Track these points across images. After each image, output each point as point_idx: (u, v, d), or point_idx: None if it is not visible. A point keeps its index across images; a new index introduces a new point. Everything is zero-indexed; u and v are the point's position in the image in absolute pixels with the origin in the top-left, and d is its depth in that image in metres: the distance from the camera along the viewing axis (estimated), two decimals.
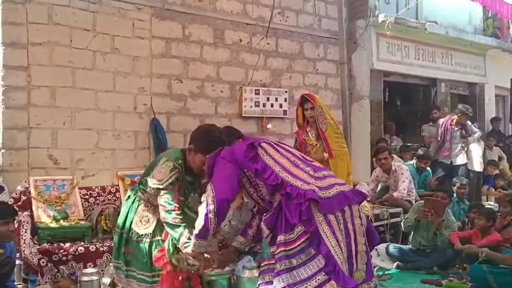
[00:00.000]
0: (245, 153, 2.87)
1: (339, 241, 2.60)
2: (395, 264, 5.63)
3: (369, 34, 8.60)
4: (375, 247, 5.81)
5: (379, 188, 7.18)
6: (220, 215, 2.80)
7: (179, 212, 3.17)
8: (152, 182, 3.29)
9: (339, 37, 6.67)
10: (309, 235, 2.60)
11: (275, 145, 2.99)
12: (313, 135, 5.27)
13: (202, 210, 2.80)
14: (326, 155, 5.19)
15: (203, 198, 2.84)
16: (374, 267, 5.05)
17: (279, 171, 2.80)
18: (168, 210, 3.16)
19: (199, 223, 2.82)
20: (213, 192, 2.77)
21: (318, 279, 2.56)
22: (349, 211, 2.71)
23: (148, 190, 3.36)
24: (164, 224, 3.21)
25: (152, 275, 3.38)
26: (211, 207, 2.74)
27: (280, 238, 2.68)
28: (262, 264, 2.93)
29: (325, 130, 5.20)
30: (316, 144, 5.26)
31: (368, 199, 6.73)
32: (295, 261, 2.62)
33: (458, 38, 9.79)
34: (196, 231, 2.86)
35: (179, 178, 3.32)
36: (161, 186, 3.23)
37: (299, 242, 2.62)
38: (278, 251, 2.67)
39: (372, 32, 8.61)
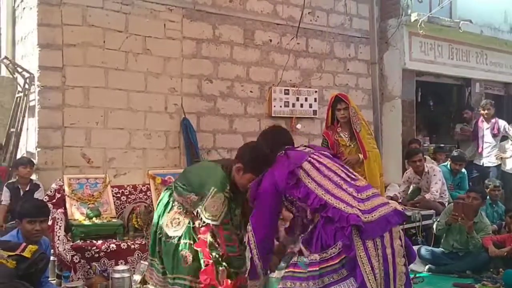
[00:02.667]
0: (286, 180, 2.85)
1: (374, 268, 2.60)
2: (426, 267, 5.53)
3: (401, 34, 8.47)
4: None
5: (410, 189, 7.07)
6: (264, 254, 2.97)
7: (238, 244, 3.30)
8: (205, 216, 3.27)
9: (370, 37, 6.60)
10: (344, 256, 2.60)
11: (316, 164, 2.91)
12: (346, 136, 5.21)
13: (248, 253, 2.95)
14: (361, 156, 5.14)
15: (245, 239, 2.97)
16: None
17: (322, 194, 2.76)
18: (230, 246, 3.25)
19: (248, 266, 2.96)
20: (253, 237, 2.94)
21: None
22: (388, 235, 2.68)
23: (199, 222, 3.36)
24: (225, 255, 3.27)
25: (174, 277, 3.41)
26: (254, 251, 2.93)
27: (315, 257, 2.68)
28: (286, 270, 2.93)
29: (359, 130, 5.15)
30: (350, 145, 5.20)
31: (400, 200, 6.64)
32: (327, 279, 2.63)
33: (493, 37, 9.55)
34: (247, 274, 3.06)
35: (229, 206, 3.34)
36: (217, 223, 3.26)
37: (332, 263, 2.63)
38: (311, 269, 2.67)
39: (404, 31, 8.48)
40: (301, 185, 2.83)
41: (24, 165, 5.57)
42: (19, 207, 3.85)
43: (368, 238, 2.62)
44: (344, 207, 2.68)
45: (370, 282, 2.56)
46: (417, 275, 5.18)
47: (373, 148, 5.34)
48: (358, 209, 2.67)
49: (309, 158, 2.95)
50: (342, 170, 2.95)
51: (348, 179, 2.88)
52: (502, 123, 8.13)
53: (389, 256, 2.67)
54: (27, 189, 5.61)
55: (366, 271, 2.58)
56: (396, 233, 2.73)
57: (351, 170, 3.07)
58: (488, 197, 6.57)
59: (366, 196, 2.80)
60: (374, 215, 2.68)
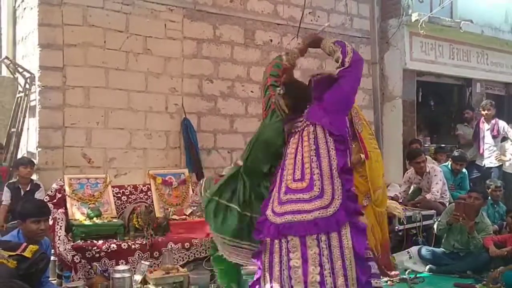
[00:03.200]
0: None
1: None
2: (427, 267, 5.53)
3: (402, 34, 8.47)
4: (407, 250, 5.74)
5: (411, 190, 7.06)
6: None
7: None
8: None
9: (371, 37, 6.59)
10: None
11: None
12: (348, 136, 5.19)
13: None
14: (362, 156, 5.12)
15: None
16: (406, 270, 4.99)
17: None
18: None
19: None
20: None
21: None
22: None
23: None
24: None
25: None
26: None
27: None
28: None
29: (360, 131, 5.13)
30: (351, 145, 5.18)
31: (400, 201, 6.64)
32: None
33: (494, 37, 9.55)
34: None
35: None
36: None
37: None
38: None
39: (405, 31, 8.48)
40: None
41: (24, 165, 5.57)
42: (21, 208, 3.84)
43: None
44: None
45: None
46: (418, 275, 5.18)
47: (375, 149, 5.31)
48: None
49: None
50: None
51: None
52: (502, 124, 8.12)
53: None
54: (27, 189, 5.60)
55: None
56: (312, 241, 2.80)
57: None
58: (489, 197, 6.57)
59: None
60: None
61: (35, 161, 5.78)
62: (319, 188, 2.89)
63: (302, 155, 3.00)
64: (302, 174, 2.96)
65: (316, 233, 2.81)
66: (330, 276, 2.76)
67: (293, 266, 2.82)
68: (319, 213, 2.83)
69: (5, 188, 5.63)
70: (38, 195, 5.46)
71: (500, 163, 8.12)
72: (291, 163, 3.01)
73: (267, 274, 2.92)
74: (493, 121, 8.10)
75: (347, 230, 2.81)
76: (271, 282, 2.88)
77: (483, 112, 8.19)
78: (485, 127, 8.13)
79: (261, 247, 3.00)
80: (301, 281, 2.78)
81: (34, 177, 5.73)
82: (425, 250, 5.69)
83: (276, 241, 2.89)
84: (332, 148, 2.96)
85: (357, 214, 2.91)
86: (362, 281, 2.77)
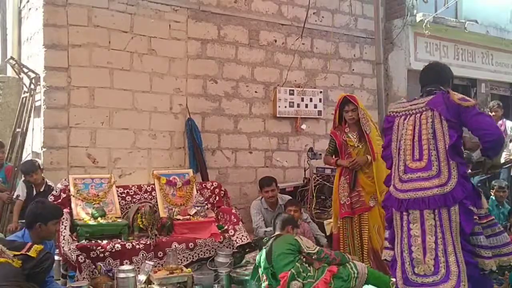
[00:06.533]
0: None
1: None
2: None
3: (406, 34, 8.45)
4: None
5: None
6: None
7: None
8: None
9: (375, 37, 6.58)
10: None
11: None
12: (355, 137, 5.19)
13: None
14: (369, 157, 5.12)
15: None
16: None
17: None
18: None
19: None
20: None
21: None
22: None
23: None
24: None
25: None
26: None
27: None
28: None
29: (369, 132, 5.14)
30: (358, 146, 5.18)
31: None
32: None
33: (499, 37, 9.51)
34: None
35: None
36: None
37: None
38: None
39: (410, 31, 8.46)
40: None
41: (30, 174, 5.57)
42: (42, 211, 3.84)
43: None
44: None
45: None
46: None
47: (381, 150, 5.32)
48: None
49: None
50: None
51: None
52: (509, 124, 8.10)
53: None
54: (41, 189, 5.62)
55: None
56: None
57: None
58: (494, 198, 6.54)
59: None
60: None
61: (40, 161, 5.80)
62: (436, 168, 3.33)
63: (420, 137, 3.39)
64: (421, 154, 3.39)
65: (435, 207, 3.28)
66: (442, 244, 3.28)
67: (413, 235, 3.36)
68: (437, 190, 3.29)
69: (22, 183, 5.66)
70: (51, 197, 5.45)
71: (510, 164, 8.07)
72: (409, 144, 3.44)
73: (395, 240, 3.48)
74: (500, 122, 8.06)
75: (456, 207, 3.26)
76: (396, 246, 3.47)
77: (490, 113, 8.15)
78: None
79: (387, 215, 3.62)
80: (420, 247, 3.33)
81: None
82: None
83: (398, 213, 3.45)
84: (446, 133, 3.33)
85: (471, 195, 3.33)
86: (466, 249, 3.27)
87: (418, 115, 3.44)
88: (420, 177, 3.36)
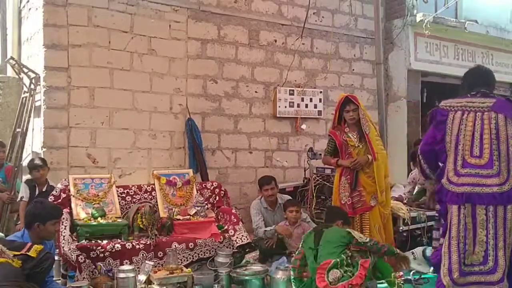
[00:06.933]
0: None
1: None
2: (432, 268, 5.50)
3: (407, 34, 8.45)
4: (411, 251, 5.72)
5: (416, 190, 7.04)
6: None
7: None
8: None
9: (375, 37, 6.59)
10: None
11: None
12: (355, 137, 5.19)
13: None
14: (370, 157, 5.13)
15: None
16: (410, 271, 4.97)
17: None
18: None
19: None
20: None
21: None
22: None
23: None
24: None
25: None
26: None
27: None
28: None
29: (368, 132, 5.15)
30: (358, 146, 5.18)
31: (405, 201, 6.62)
32: None
33: (499, 37, 9.52)
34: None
35: None
36: None
37: None
38: None
39: (410, 31, 8.46)
40: None
41: (36, 169, 5.58)
42: (41, 210, 3.84)
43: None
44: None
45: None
46: (423, 276, 5.16)
47: (381, 150, 5.34)
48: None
49: None
50: None
51: None
52: None
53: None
54: (43, 189, 5.63)
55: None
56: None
57: None
58: None
59: None
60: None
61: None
62: (497, 168, 3.46)
63: (482, 135, 3.51)
64: (481, 151, 3.51)
65: (491, 204, 3.43)
66: (492, 239, 3.45)
67: (468, 228, 3.51)
68: (497, 189, 3.42)
69: (24, 185, 5.67)
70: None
71: None
72: (469, 139, 3.54)
73: (448, 232, 3.59)
74: None
75: None
76: (450, 239, 3.56)
77: None
78: None
79: (442, 210, 3.72)
80: (471, 240, 3.50)
81: None
82: (429, 251, 5.66)
83: (455, 206, 3.54)
84: (510, 136, 3.47)
85: None
86: None
87: (480, 113, 3.55)
88: (479, 174, 3.48)
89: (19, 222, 5.61)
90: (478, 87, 3.67)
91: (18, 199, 5.68)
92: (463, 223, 3.52)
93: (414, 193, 7.05)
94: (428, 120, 3.90)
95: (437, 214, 4.38)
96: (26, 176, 5.92)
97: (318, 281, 3.93)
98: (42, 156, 5.85)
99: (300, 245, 4.43)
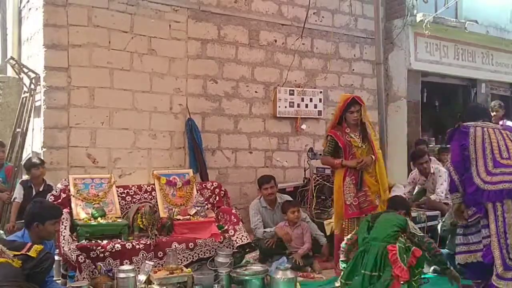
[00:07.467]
0: None
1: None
2: (432, 268, 5.50)
3: (407, 34, 8.45)
4: None
5: (416, 190, 7.04)
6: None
7: None
8: None
9: (375, 37, 6.59)
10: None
11: None
12: (358, 137, 5.20)
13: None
14: (373, 157, 5.17)
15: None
16: None
17: None
18: None
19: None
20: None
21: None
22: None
23: None
24: None
25: None
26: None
27: None
28: None
29: (370, 132, 5.19)
30: (362, 146, 5.19)
31: None
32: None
33: (499, 37, 9.52)
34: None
35: None
36: None
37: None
38: None
39: (410, 31, 8.46)
40: None
41: (36, 167, 5.59)
42: (40, 210, 3.84)
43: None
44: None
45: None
46: (423, 276, 5.15)
47: (378, 149, 5.36)
48: None
49: None
50: None
51: None
52: (510, 124, 8.09)
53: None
54: (40, 189, 5.64)
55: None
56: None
57: None
58: None
59: None
60: None
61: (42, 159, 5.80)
62: None
63: (505, 142, 3.99)
64: (509, 154, 3.94)
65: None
66: None
67: (508, 223, 3.77)
68: None
69: (19, 186, 5.67)
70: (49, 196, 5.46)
71: None
72: (496, 145, 3.96)
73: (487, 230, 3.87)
74: (501, 122, 8.06)
75: None
76: (490, 236, 3.84)
77: (492, 113, 8.14)
78: None
79: (478, 210, 3.95)
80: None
81: None
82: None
83: (490, 204, 3.83)
84: None
85: None
86: None
87: (496, 129, 4.11)
88: None
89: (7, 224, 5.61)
90: (482, 118, 4.30)
91: (12, 199, 5.67)
92: (501, 220, 3.79)
93: (414, 193, 7.05)
94: (447, 138, 4.40)
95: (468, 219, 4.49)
96: (25, 177, 5.92)
97: (397, 270, 3.98)
98: (42, 156, 5.85)
99: (354, 231, 4.55)
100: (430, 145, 8.95)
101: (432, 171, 6.74)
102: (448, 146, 8.88)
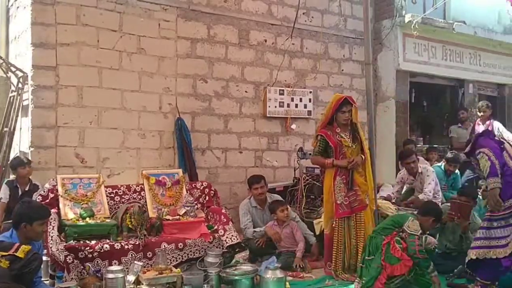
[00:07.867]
0: None
1: None
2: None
3: (395, 34, 8.51)
4: None
5: (404, 190, 7.09)
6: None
7: None
8: None
9: (364, 37, 6.59)
10: None
11: None
12: (348, 137, 5.23)
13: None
14: (363, 156, 5.21)
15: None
16: None
17: None
18: None
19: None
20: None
21: None
22: None
23: None
24: None
25: None
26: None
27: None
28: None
29: (360, 132, 5.24)
30: (352, 146, 5.22)
31: (393, 201, 6.67)
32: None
33: (487, 38, 9.61)
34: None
35: None
36: None
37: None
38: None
39: (398, 32, 8.51)
40: None
41: (22, 166, 5.55)
42: (27, 210, 3.79)
43: None
44: None
45: None
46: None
47: (368, 149, 5.39)
48: None
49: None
50: None
51: None
52: (496, 124, 8.18)
53: None
54: (26, 189, 5.59)
55: None
56: None
57: None
58: (481, 197, 6.58)
59: None
60: None
61: (29, 158, 5.75)
62: None
63: None
64: None
65: None
66: None
67: None
68: None
69: (4, 186, 5.62)
70: (37, 196, 5.41)
71: None
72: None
73: None
74: (487, 122, 8.15)
75: None
76: None
77: (479, 114, 8.23)
78: (480, 128, 8.16)
79: None
80: None
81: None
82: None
83: None
84: None
85: None
86: None
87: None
88: None
89: None
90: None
91: None
92: None
93: (402, 192, 7.10)
94: (472, 142, 4.57)
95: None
96: (12, 176, 5.86)
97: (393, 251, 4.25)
98: (30, 156, 5.80)
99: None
100: (418, 145, 9.01)
101: (420, 171, 6.79)
102: (435, 146, 9.02)
